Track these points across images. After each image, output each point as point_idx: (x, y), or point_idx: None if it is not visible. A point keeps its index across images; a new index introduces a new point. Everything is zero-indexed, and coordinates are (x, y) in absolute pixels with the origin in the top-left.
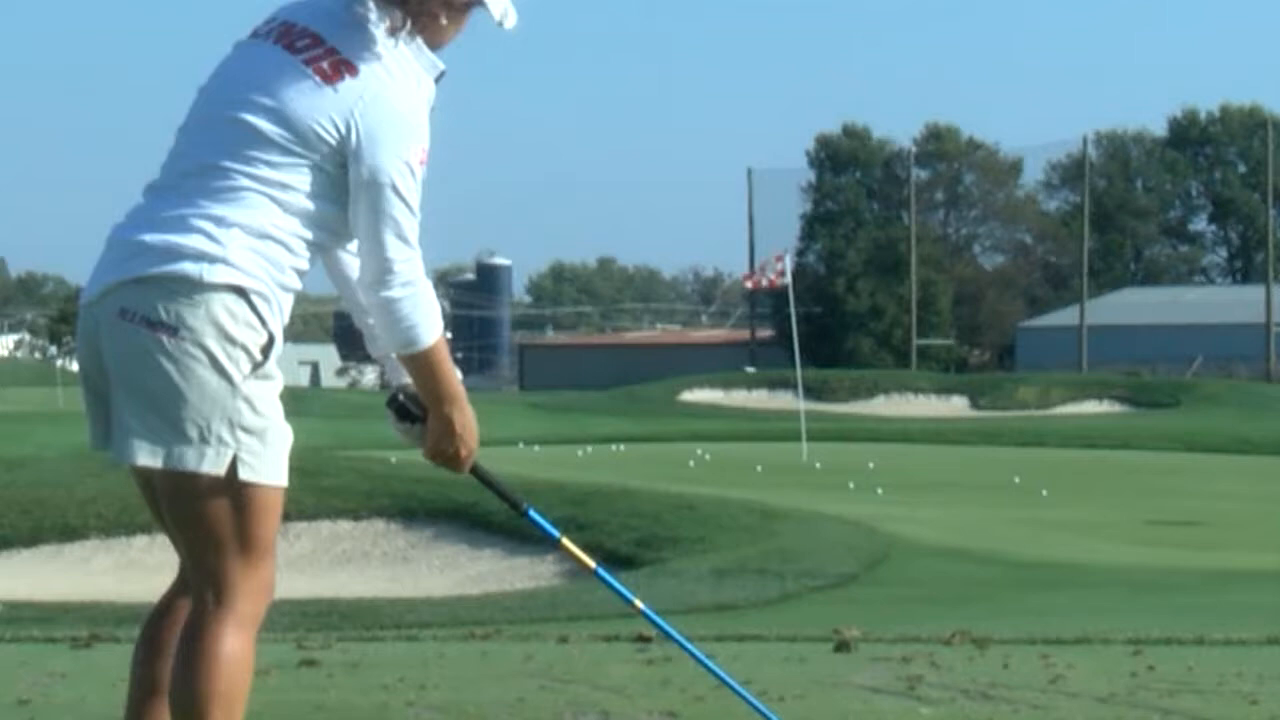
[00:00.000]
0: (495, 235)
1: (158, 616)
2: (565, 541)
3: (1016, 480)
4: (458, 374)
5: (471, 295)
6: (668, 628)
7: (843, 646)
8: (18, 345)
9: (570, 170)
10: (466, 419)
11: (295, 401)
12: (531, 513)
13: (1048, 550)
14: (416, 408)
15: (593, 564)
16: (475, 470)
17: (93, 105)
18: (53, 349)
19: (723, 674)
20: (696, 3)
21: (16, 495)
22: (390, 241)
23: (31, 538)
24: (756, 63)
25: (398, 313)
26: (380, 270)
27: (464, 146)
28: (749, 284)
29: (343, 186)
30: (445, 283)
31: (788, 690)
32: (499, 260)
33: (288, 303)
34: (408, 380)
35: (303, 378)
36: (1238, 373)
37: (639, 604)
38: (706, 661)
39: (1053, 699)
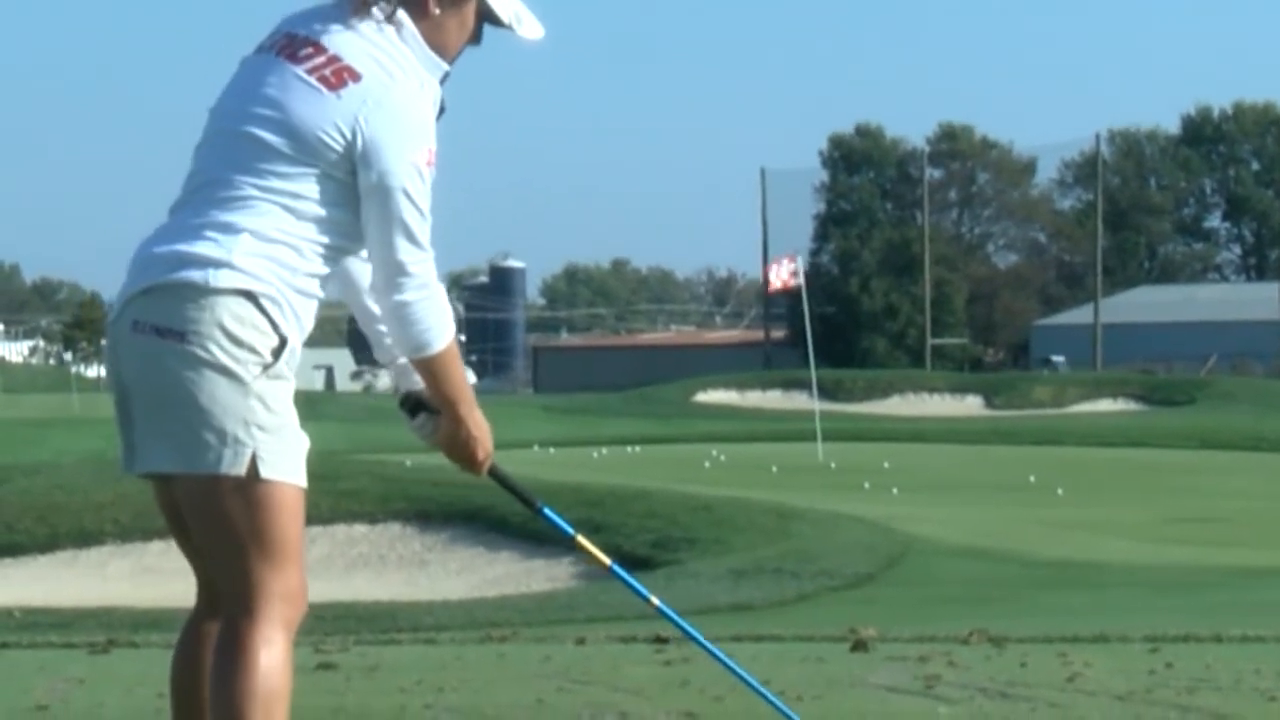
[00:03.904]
0: (509, 238)
1: (190, 641)
2: (580, 539)
3: (1032, 479)
4: (472, 377)
5: (485, 298)
6: (687, 626)
7: (860, 646)
8: (33, 351)
9: (583, 172)
10: (479, 421)
11: (310, 405)
12: (547, 511)
13: (1064, 549)
14: (426, 406)
15: (608, 561)
16: (493, 471)
17: (108, 111)
18: (67, 355)
19: (742, 672)
20: (708, 4)
21: (33, 501)
22: (401, 245)
23: (48, 543)
24: (769, 63)
25: (411, 317)
26: (392, 274)
27: (477, 149)
28: (770, 289)
29: (354, 192)
30: (459, 285)
31: (805, 690)
32: (513, 263)
33: (306, 309)
34: (417, 384)
35: (317, 382)
36: (1252, 370)
37: (655, 601)
38: (725, 659)
39: (1071, 697)
